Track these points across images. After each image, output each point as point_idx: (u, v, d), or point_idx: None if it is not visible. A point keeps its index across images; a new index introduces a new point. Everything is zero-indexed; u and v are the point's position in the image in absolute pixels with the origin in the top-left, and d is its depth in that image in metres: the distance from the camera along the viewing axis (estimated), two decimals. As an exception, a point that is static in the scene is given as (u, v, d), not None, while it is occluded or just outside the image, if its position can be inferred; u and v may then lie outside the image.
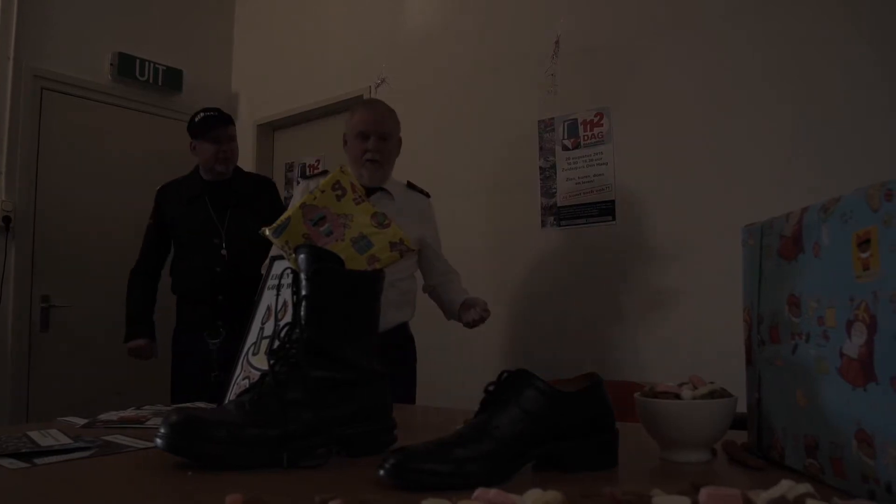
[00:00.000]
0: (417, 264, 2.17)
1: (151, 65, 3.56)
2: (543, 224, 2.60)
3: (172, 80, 3.65)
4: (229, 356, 1.85)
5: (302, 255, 0.91)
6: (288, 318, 0.93)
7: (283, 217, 1.16)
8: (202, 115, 2.51)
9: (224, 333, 2.33)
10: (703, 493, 0.48)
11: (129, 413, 1.31)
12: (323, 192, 1.17)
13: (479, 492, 0.53)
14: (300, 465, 0.82)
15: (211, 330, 2.35)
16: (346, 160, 2.15)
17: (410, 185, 2.21)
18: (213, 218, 2.46)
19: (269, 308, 1.32)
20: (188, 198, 2.50)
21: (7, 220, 3.01)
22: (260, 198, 2.54)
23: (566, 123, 2.57)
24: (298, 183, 3.52)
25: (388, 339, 1.93)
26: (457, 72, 2.90)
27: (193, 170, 2.58)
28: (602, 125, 2.48)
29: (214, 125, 2.46)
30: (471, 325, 2.02)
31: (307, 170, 3.60)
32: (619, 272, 2.40)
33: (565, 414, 0.77)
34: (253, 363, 1.28)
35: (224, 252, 2.41)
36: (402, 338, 2.13)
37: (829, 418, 0.65)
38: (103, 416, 1.27)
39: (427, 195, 2.23)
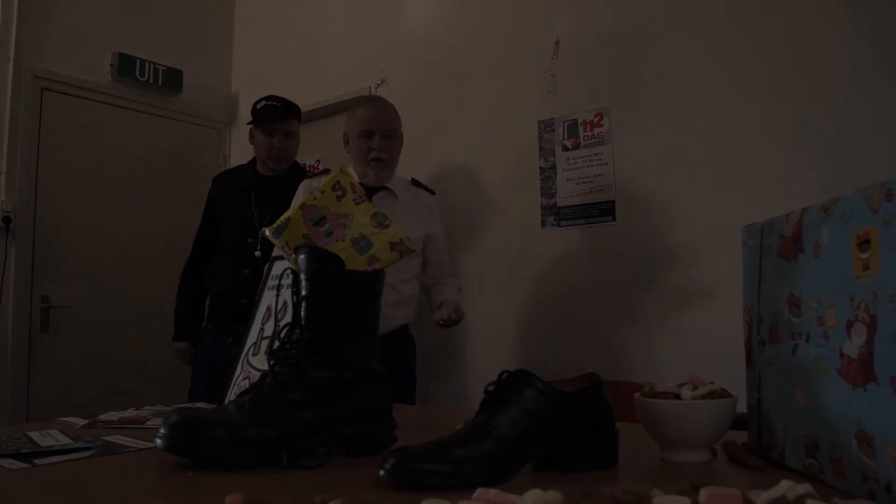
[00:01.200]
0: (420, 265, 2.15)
1: (151, 65, 3.56)
2: (543, 224, 2.60)
3: (172, 80, 3.65)
4: None
5: (302, 256, 0.92)
6: (288, 318, 0.93)
7: (283, 217, 1.16)
8: (263, 102, 2.36)
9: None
10: (703, 494, 0.48)
11: (130, 413, 1.31)
12: (323, 192, 1.17)
13: (479, 492, 0.53)
14: (300, 465, 0.82)
15: (234, 336, 2.16)
16: (348, 159, 2.14)
17: (415, 183, 2.20)
18: (252, 215, 2.30)
19: (269, 308, 1.33)
20: (234, 190, 2.36)
21: (7, 220, 3.01)
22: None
23: (566, 124, 2.57)
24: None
25: (387, 341, 1.93)
26: (457, 72, 2.90)
27: (251, 160, 2.45)
28: (602, 125, 2.48)
29: (272, 117, 2.31)
30: (441, 324, 1.98)
31: (307, 170, 3.59)
32: (620, 272, 2.40)
33: (565, 414, 0.77)
34: (253, 363, 1.28)
35: (258, 254, 2.24)
36: (401, 339, 2.12)
37: (829, 418, 0.65)
38: (103, 417, 1.27)
39: (432, 192, 2.22)
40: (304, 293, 0.90)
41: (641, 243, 2.36)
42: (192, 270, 2.48)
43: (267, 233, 1.15)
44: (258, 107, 2.36)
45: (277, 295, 1.05)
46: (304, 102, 3.52)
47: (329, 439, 0.86)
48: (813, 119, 2.02)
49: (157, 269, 3.23)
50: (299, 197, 2.11)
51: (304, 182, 2.18)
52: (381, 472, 0.70)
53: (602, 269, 2.44)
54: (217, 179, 2.50)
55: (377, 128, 2.02)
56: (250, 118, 2.42)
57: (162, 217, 3.44)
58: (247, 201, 2.32)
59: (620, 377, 2.15)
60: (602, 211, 2.46)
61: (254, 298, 2.10)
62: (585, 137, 2.52)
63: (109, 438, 1.03)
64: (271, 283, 1.37)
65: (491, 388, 0.79)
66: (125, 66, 3.45)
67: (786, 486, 0.49)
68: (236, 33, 4.04)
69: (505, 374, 0.79)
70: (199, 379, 2.38)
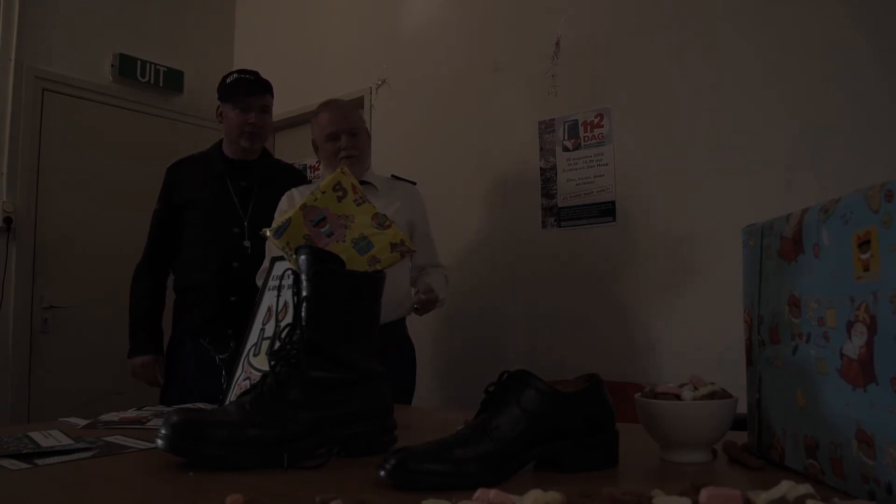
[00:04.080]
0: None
1: (152, 66, 3.56)
2: (544, 225, 2.60)
3: (173, 81, 3.65)
4: None
5: (302, 257, 0.92)
6: (289, 318, 0.93)
7: (283, 218, 1.16)
8: (235, 76, 2.13)
9: (233, 346, 1.90)
10: (704, 494, 0.49)
11: (130, 414, 1.31)
12: (324, 192, 1.17)
13: (479, 492, 0.54)
14: (300, 466, 0.82)
15: (217, 339, 1.98)
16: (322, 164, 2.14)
17: (395, 177, 2.21)
18: (234, 203, 2.08)
19: (269, 309, 1.33)
20: (206, 177, 2.12)
21: (8, 220, 3.01)
22: (288, 188, 2.15)
23: (567, 124, 2.58)
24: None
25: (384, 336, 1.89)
26: (457, 73, 2.91)
27: (215, 144, 2.22)
28: (602, 126, 2.48)
29: (246, 90, 2.09)
30: (416, 309, 1.93)
31: (308, 171, 3.59)
32: (620, 273, 2.40)
33: (565, 414, 0.77)
34: (254, 364, 1.28)
35: (247, 244, 2.04)
36: (395, 337, 2.09)
37: (829, 419, 0.65)
38: (104, 417, 1.27)
39: (413, 183, 2.22)
40: (304, 294, 0.90)
41: (641, 243, 2.36)
42: (150, 269, 2.16)
43: (268, 233, 1.15)
44: (228, 80, 2.12)
45: (278, 295, 1.05)
46: (304, 103, 3.53)
47: (329, 439, 0.86)
48: (813, 119, 2.02)
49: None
50: (282, 206, 2.04)
51: (287, 194, 2.05)
52: (382, 473, 0.70)
53: (602, 270, 2.44)
54: (177, 167, 2.20)
55: (341, 128, 2.03)
56: (225, 88, 2.14)
57: (162, 217, 3.44)
58: (223, 188, 2.09)
59: (621, 377, 2.15)
60: (602, 211, 2.46)
61: (244, 294, 1.97)
62: (586, 138, 2.52)
63: (110, 439, 1.03)
64: (272, 283, 1.37)
65: (491, 389, 0.79)
66: (126, 66, 3.45)
67: (786, 487, 0.49)
68: (236, 33, 4.04)
69: (505, 375, 0.79)
70: (173, 399, 1.92)
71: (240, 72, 2.15)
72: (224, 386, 1.69)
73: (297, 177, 2.31)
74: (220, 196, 2.09)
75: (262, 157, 2.20)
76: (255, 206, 2.09)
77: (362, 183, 2.07)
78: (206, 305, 2.04)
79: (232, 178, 2.12)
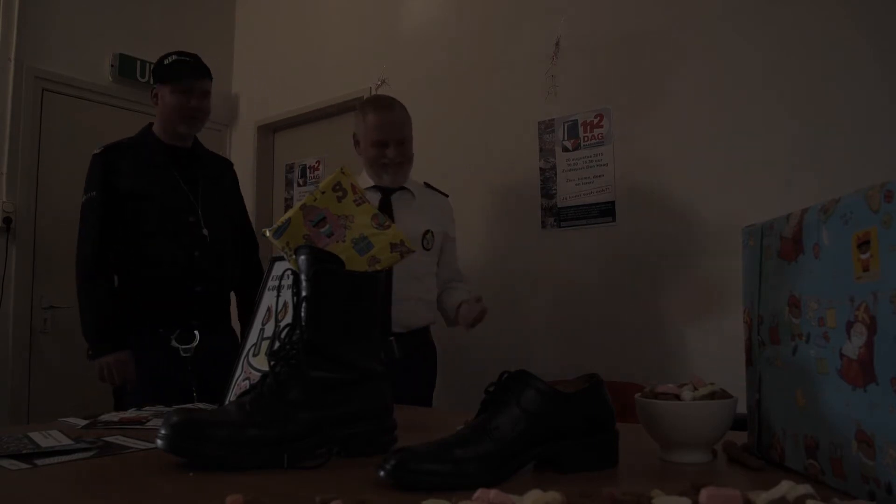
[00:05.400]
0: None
1: (152, 66, 3.56)
2: (544, 225, 2.60)
3: (173, 80, 3.65)
4: (207, 364, 1.64)
5: (302, 257, 0.92)
6: (288, 319, 0.93)
7: (283, 218, 1.16)
8: (174, 57, 2.04)
9: (198, 337, 1.87)
10: (704, 494, 0.49)
11: (130, 414, 1.31)
12: (323, 192, 1.17)
13: (479, 492, 0.54)
14: (300, 466, 0.82)
15: (182, 331, 1.90)
16: (349, 158, 2.14)
17: (428, 185, 2.20)
18: (185, 192, 2.03)
19: (269, 309, 1.33)
20: (146, 165, 2.01)
21: (8, 221, 3.01)
22: (225, 177, 2.21)
23: (566, 124, 2.57)
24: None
25: (414, 339, 1.93)
26: (457, 73, 2.91)
27: (144, 130, 2.10)
28: (602, 126, 2.48)
29: (188, 72, 2.02)
30: (470, 325, 1.94)
31: (308, 171, 3.60)
32: (620, 273, 2.40)
33: (565, 414, 0.77)
34: (253, 364, 1.28)
35: (205, 232, 2.01)
36: (426, 339, 2.08)
37: (829, 419, 0.65)
38: (104, 417, 1.27)
39: (445, 195, 2.21)
40: (304, 294, 0.90)
41: (641, 244, 2.36)
42: (100, 264, 2.04)
43: (267, 233, 1.15)
44: (167, 62, 2.03)
45: (278, 295, 1.04)
46: (305, 103, 3.54)
47: (329, 439, 0.86)
48: (813, 119, 2.02)
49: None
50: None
51: None
52: (382, 473, 0.70)
53: (602, 270, 2.44)
54: (111, 154, 2.02)
55: (390, 137, 1.95)
56: (164, 69, 2.05)
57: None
58: (170, 177, 2.02)
59: (621, 377, 2.15)
60: (602, 211, 2.46)
61: (208, 284, 2.00)
62: (585, 138, 2.52)
63: (110, 439, 1.03)
64: (272, 283, 1.37)
65: (491, 389, 0.79)
66: (125, 66, 3.45)
67: (786, 487, 0.49)
68: (236, 33, 4.04)
69: (505, 375, 0.79)
70: (137, 392, 1.89)
71: (179, 53, 2.07)
72: (193, 391, 1.61)
73: (227, 165, 2.31)
74: (170, 185, 2.02)
75: (197, 144, 2.15)
76: (204, 193, 2.05)
77: (400, 189, 2.05)
78: (172, 298, 1.96)
79: (177, 165, 2.05)
